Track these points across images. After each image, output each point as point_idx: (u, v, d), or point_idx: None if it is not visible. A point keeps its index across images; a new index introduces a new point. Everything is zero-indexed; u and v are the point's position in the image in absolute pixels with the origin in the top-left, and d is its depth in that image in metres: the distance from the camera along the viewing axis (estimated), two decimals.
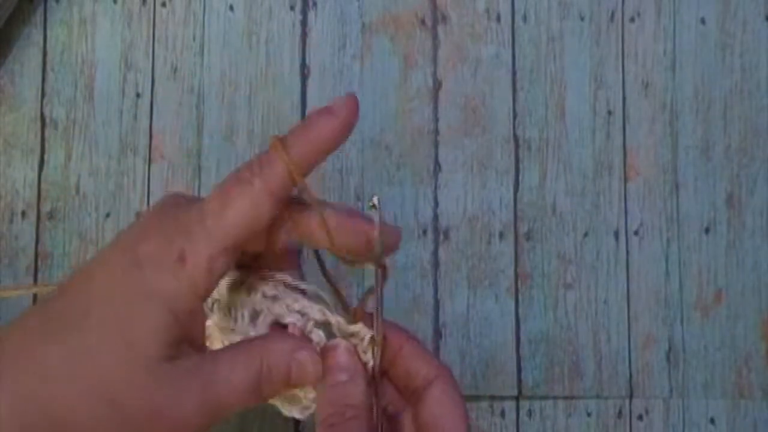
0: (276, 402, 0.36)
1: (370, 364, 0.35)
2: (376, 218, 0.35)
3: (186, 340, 0.33)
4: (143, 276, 0.32)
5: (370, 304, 0.36)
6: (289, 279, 0.36)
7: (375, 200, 0.35)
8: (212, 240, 0.33)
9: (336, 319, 0.36)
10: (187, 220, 0.33)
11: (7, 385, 0.31)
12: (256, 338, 0.36)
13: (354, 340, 0.36)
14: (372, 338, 0.36)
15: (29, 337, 0.32)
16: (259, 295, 0.36)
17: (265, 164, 0.34)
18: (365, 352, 0.35)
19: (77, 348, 0.31)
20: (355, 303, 0.37)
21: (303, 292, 0.36)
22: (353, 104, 0.34)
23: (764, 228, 0.51)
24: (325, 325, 0.36)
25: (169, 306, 0.32)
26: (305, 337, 0.35)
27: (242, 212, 0.33)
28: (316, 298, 0.36)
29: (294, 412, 0.36)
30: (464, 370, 0.48)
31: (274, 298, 0.36)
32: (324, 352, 0.35)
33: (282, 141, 0.34)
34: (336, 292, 0.37)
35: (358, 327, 0.36)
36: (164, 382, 0.32)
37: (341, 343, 0.35)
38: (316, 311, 0.36)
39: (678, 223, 0.50)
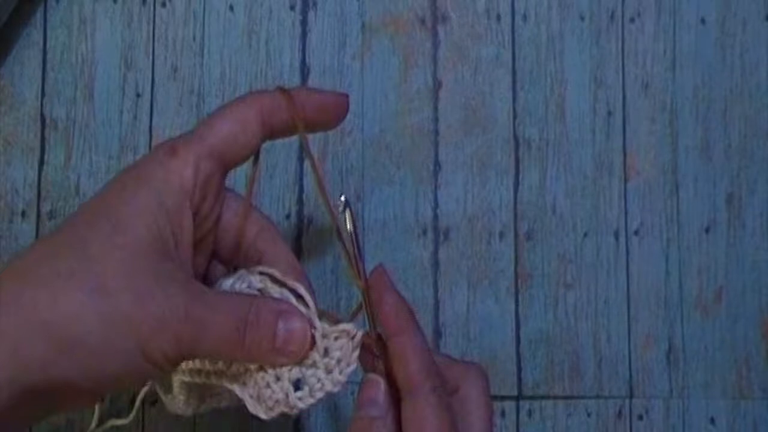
0: (245, 394, 0.35)
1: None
2: (348, 223, 0.36)
3: (173, 245, 0.33)
4: (135, 167, 0.34)
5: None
6: (277, 273, 0.36)
7: (343, 198, 0.36)
8: (202, 141, 0.35)
9: (319, 324, 0.35)
10: (181, 135, 0.36)
11: (7, 299, 0.31)
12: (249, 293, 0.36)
13: (342, 339, 0.35)
14: (368, 335, 0.35)
15: (31, 248, 0.33)
16: (245, 285, 0.36)
17: (262, 92, 0.37)
18: (356, 349, 0.35)
19: (69, 241, 0.32)
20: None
21: (291, 291, 0.36)
22: (347, 100, 0.38)
23: (764, 228, 0.51)
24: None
25: (156, 192, 0.33)
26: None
27: (231, 124, 0.35)
28: (300, 298, 0.36)
29: (260, 411, 0.35)
30: None
31: (261, 291, 0.36)
32: (362, 384, 0.35)
33: (284, 88, 0.37)
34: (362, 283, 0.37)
35: (343, 327, 0.35)
36: (150, 270, 0.32)
37: (380, 379, 0.35)
38: (301, 308, 0.35)
39: (678, 223, 0.50)
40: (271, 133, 0.37)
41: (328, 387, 0.35)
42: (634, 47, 0.51)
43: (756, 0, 0.51)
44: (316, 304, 0.36)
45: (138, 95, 0.49)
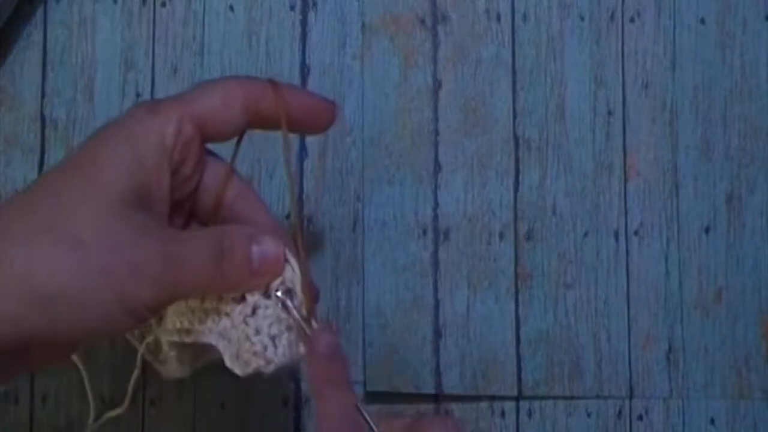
0: (226, 351, 0.36)
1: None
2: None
3: (149, 199, 0.33)
4: (117, 125, 0.34)
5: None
6: None
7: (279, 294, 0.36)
8: (184, 105, 0.35)
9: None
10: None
11: None
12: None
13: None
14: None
15: (10, 224, 0.32)
16: None
17: (252, 78, 0.37)
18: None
19: (43, 193, 0.32)
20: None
21: None
22: (334, 108, 0.38)
23: (764, 228, 0.51)
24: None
25: (133, 148, 0.33)
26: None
27: (215, 98, 0.35)
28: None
29: (236, 367, 0.35)
30: (464, 370, 0.48)
31: None
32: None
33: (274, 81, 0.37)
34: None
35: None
36: (126, 221, 0.32)
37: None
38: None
39: (678, 223, 0.50)
40: (254, 119, 0.36)
41: (301, 350, 0.35)
42: (634, 47, 0.51)
43: (756, 0, 0.51)
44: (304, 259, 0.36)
45: (138, 95, 0.49)
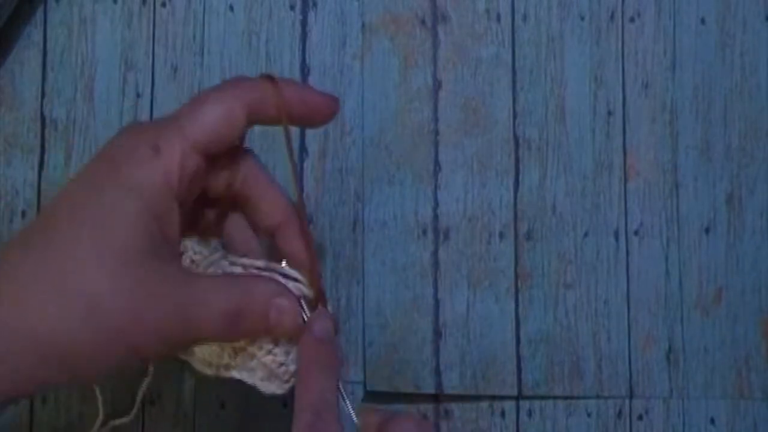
0: (255, 379, 0.36)
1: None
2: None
3: (163, 243, 0.32)
4: (117, 168, 0.32)
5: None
6: (259, 263, 0.36)
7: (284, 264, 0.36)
8: (185, 135, 0.33)
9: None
10: (159, 122, 0.34)
11: None
12: (239, 274, 0.36)
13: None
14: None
15: (8, 253, 0.32)
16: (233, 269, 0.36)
17: (246, 81, 0.35)
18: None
19: (53, 250, 0.31)
20: None
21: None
22: (335, 103, 0.37)
23: (764, 228, 0.51)
24: None
25: (144, 197, 0.32)
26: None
27: (216, 115, 0.33)
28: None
29: (275, 389, 0.36)
30: (464, 370, 0.48)
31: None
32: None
33: (272, 77, 0.35)
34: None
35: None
36: (141, 277, 0.31)
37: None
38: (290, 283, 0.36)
39: (678, 223, 0.50)
40: (255, 122, 0.35)
41: None
42: (634, 47, 0.51)
43: (756, 0, 0.51)
44: (317, 267, 0.36)
45: (138, 95, 0.49)
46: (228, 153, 0.36)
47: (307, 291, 0.36)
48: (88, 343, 0.31)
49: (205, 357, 0.36)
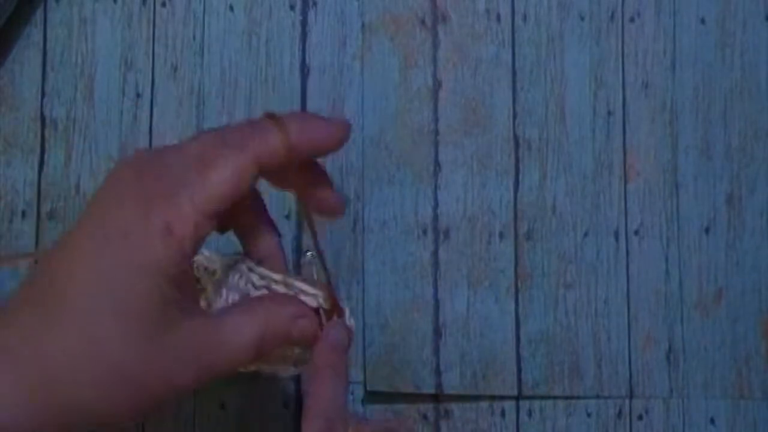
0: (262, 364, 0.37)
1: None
2: (313, 272, 0.37)
3: (181, 299, 0.32)
4: (130, 246, 0.31)
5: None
6: (276, 276, 0.37)
7: (309, 255, 0.37)
8: (197, 206, 0.32)
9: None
10: (167, 184, 0.32)
11: (12, 381, 0.30)
12: (258, 299, 0.36)
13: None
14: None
15: (24, 330, 0.31)
16: (246, 283, 0.37)
17: (257, 132, 0.33)
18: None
19: (75, 331, 0.31)
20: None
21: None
22: (348, 128, 0.35)
23: (764, 228, 0.51)
24: None
25: (161, 273, 0.31)
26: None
27: (226, 180, 0.32)
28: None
29: (282, 371, 0.37)
30: (464, 370, 0.48)
31: (267, 288, 0.37)
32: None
33: (276, 119, 0.34)
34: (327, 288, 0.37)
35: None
36: (167, 346, 0.32)
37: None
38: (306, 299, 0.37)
39: (678, 223, 0.50)
40: (266, 172, 0.34)
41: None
42: (634, 47, 0.51)
43: (756, 0, 0.51)
44: (329, 280, 0.37)
45: (138, 95, 0.49)
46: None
47: (323, 302, 0.37)
48: (119, 407, 0.31)
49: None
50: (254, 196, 0.37)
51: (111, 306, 0.31)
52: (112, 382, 0.31)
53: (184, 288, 0.33)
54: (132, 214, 0.32)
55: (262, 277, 0.36)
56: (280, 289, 0.36)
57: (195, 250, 0.33)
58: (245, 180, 0.33)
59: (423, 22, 0.50)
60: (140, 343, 0.31)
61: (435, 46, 0.50)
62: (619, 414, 0.49)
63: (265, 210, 0.38)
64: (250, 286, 0.36)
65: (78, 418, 0.31)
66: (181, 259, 0.32)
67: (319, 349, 0.36)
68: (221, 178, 0.32)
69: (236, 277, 0.37)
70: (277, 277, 0.37)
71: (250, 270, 0.37)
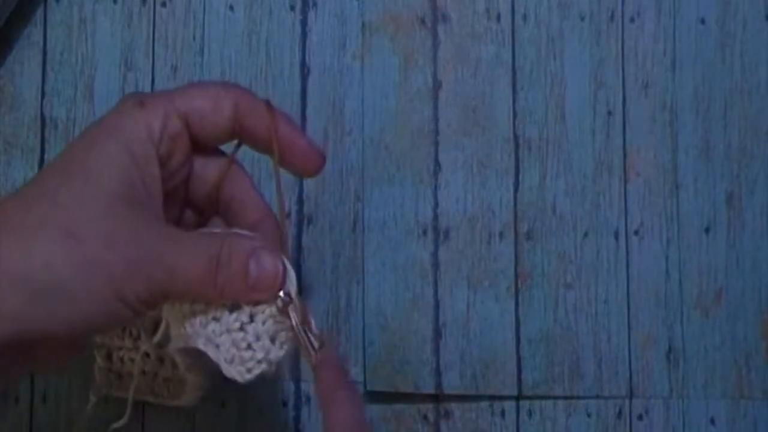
0: (220, 358, 0.36)
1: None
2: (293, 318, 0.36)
3: (142, 192, 0.34)
4: (103, 119, 0.34)
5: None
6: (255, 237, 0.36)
7: (282, 294, 0.36)
8: (171, 99, 0.35)
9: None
10: (156, 94, 0.36)
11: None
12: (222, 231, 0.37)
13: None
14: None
15: (1, 202, 0.33)
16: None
17: (244, 89, 0.37)
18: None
19: (40, 194, 0.32)
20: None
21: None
22: (322, 158, 0.38)
23: (764, 228, 0.51)
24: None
25: (125, 143, 0.33)
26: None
27: (204, 99, 0.36)
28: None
29: (235, 374, 0.35)
30: (464, 370, 0.48)
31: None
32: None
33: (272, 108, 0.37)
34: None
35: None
36: (124, 221, 0.32)
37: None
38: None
39: (678, 223, 0.50)
40: (243, 132, 0.37)
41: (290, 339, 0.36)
42: (634, 47, 0.51)
43: (756, 0, 0.51)
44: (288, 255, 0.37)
45: None
46: (216, 163, 0.38)
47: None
48: (69, 278, 0.31)
49: (176, 323, 0.36)
50: (239, 174, 0.38)
51: (74, 174, 0.33)
52: (69, 249, 0.31)
53: (149, 184, 0.34)
54: (114, 108, 0.35)
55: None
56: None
57: (163, 136, 0.34)
58: (220, 108, 0.36)
59: (423, 22, 0.50)
60: (98, 212, 0.32)
61: (435, 46, 0.50)
62: (619, 414, 0.49)
63: (252, 184, 0.39)
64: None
65: (40, 289, 0.31)
66: (146, 135, 0.34)
67: (323, 363, 0.35)
68: (199, 93, 0.36)
69: None
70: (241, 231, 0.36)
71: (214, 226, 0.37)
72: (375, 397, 0.48)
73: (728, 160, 0.51)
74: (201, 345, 0.35)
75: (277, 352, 0.36)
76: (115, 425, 0.44)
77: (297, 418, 0.48)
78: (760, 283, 0.50)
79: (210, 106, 0.36)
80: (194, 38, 0.50)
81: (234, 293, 0.35)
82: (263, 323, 0.35)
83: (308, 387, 0.48)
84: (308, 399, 0.48)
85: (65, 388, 0.47)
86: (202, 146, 0.37)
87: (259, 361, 0.35)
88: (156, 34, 0.49)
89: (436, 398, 0.49)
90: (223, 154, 0.38)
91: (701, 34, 0.51)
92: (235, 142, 0.38)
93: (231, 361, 0.35)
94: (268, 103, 0.37)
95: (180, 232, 0.35)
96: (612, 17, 0.51)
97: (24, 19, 0.49)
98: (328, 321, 0.48)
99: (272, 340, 0.36)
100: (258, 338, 0.35)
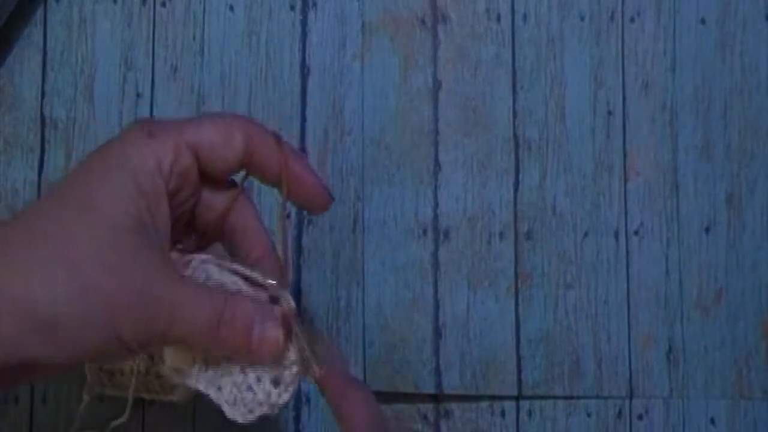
0: (221, 400, 0.35)
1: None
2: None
3: (149, 225, 0.33)
4: (110, 147, 0.33)
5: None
6: (254, 275, 0.36)
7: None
8: (181, 131, 0.34)
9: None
10: (165, 124, 0.35)
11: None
12: (228, 287, 0.36)
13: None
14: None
15: (2, 226, 0.32)
16: (222, 278, 0.36)
17: (253, 122, 0.36)
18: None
19: (43, 220, 0.32)
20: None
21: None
22: (329, 197, 0.37)
23: (764, 228, 0.51)
24: None
25: (133, 175, 0.32)
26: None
27: (214, 129, 0.35)
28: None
29: (237, 416, 0.35)
30: (464, 370, 0.48)
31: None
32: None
33: (281, 141, 0.36)
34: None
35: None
36: (128, 256, 0.31)
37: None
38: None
39: (678, 223, 0.50)
40: (250, 164, 0.36)
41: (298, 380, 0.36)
42: (634, 47, 0.51)
43: (756, 0, 0.51)
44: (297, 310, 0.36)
45: (138, 95, 0.49)
46: (225, 189, 0.37)
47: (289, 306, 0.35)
48: (71, 310, 0.31)
49: (175, 364, 0.35)
50: (246, 204, 0.38)
51: (78, 202, 0.32)
52: (69, 278, 0.31)
53: (156, 216, 0.33)
54: (122, 131, 0.34)
55: (234, 272, 0.36)
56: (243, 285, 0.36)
57: (172, 169, 0.33)
58: (230, 141, 0.35)
59: (423, 22, 0.50)
60: (102, 244, 0.31)
61: (435, 46, 0.50)
62: (619, 414, 0.49)
63: (258, 217, 0.38)
64: (225, 272, 0.36)
65: (39, 318, 0.30)
66: (155, 168, 0.33)
67: (329, 376, 0.35)
68: (209, 126, 0.35)
69: (209, 265, 0.36)
70: (248, 272, 0.36)
71: (220, 267, 0.36)
72: (375, 396, 0.48)
73: (728, 160, 0.51)
74: (202, 388, 0.35)
75: (279, 396, 0.35)
76: (114, 423, 0.44)
77: (297, 418, 0.48)
78: (760, 283, 0.50)
79: (221, 138, 0.35)
80: (194, 38, 0.50)
81: (235, 352, 0.34)
82: (264, 365, 0.35)
83: (308, 387, 0.48)
84: (308, 399, 0.48)
85: (65, 389, 0.47)
86: (210, 177, 0.36)
87: (260, 403, 0.35)
88: (156, 34, 0.49)
89: (436, 398, 0.49)
90: (231, 182, 0.38)
91: (701, 34, 0.51)
92: (243, 172, 0.37)
93: (233, 403, 0.35)
94: (276, 135, 0.36)
95: (185, 278, 0.34)
96: (612, 17, 0.51)
97: (24, 19, 0.49)
98: (328, 321, 0.48)
99: (275, 383, 0.35)
100: (259, 380, 0.35)
